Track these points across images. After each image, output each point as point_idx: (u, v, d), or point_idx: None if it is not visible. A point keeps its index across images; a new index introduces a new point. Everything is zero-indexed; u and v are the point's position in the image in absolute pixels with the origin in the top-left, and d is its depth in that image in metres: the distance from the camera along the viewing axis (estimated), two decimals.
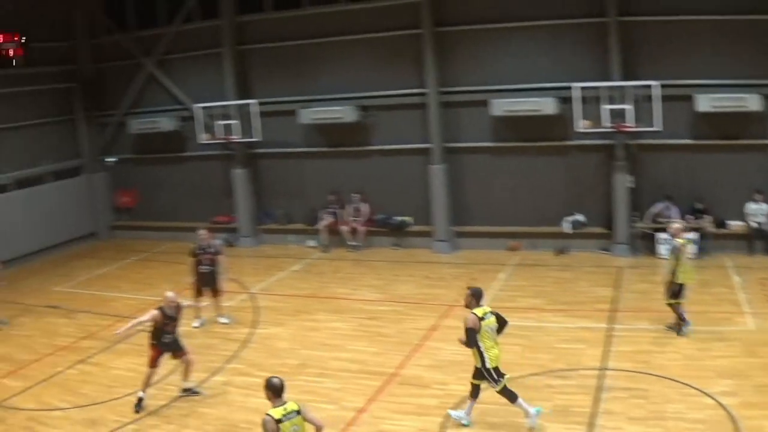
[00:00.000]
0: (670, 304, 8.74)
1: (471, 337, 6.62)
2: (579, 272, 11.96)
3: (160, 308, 8.06)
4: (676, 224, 9.30)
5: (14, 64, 14.77)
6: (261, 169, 15.69)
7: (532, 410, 6.67)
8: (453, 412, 7.06)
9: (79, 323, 11.14)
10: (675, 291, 8.65)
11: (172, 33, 15.69)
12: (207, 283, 10.47)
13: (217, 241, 11.30)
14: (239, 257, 14.42)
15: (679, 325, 8.66)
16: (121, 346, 9.82)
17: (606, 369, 7.97)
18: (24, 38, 14.77)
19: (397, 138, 13.89)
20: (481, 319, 6.63)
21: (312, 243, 14.70)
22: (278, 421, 5.00)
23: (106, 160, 17.43)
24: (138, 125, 16.21)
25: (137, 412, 7.72)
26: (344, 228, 14.17)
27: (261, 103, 14.37)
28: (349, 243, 14.11)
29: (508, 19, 12.60)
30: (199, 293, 10.47)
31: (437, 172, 13.29)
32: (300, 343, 9.64)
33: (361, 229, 14.06)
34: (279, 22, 14.61)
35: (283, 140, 14.94)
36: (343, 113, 13.73)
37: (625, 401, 7.14)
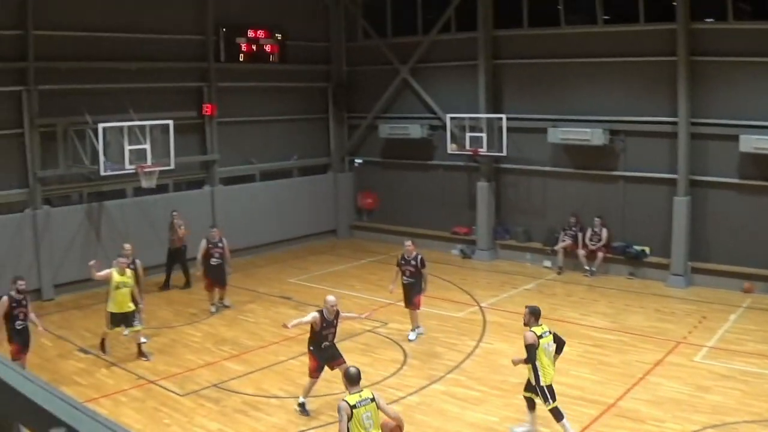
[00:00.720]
0: None
1: (531, 353, 10.58)
2: None
3: (321, 311, 12.03)
4: None
5: (272, 60, 24.33)
6: (504, 184, 23.58)
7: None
8: (517, 429, 11.29)
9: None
10: None
11: (427, 42, 24.27)
12: (406, 295, 15.86)
13: (419, 255, 15.97)
14: (474, 270, 22.54)
15: None
16: (346, 344, 14.51)
17: None
18: (280, 36, 24.11)
19: (642, 165, 20.53)
20: (540, 336, 10.68)
21: (547, 264, 22.09)
22: (353, 407, 8.57)
23: (355, 161, 27.44)
24: (388, 130, 25.07)
25: (304, 415, 12.05)
26: (582, 252, 21.17)
27: (509, 118, 22.00)
28: (585, 267, 21.14)
29: (765, 53, 18.41)
30: (405, 304, 16.04)
31: (681, 204, 19.57)
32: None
33: (599, 254, 21.00)
34: (534, 39, 22.15)
35: (529, 157, 22.57)
36: (592, 136, 20.55)
37: None
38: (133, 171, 18.85)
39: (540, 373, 10.83)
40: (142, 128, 18.97)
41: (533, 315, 11.18)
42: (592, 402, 12.41)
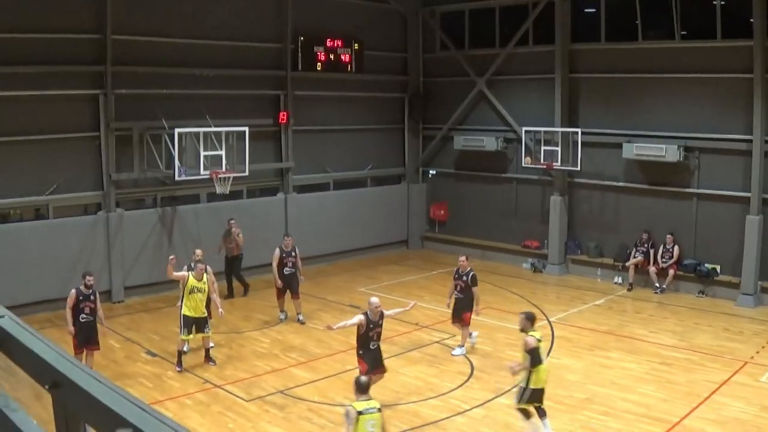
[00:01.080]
0: None
1: (536, 356, 11.44)
2: None
3: (365, 313, 12.69)
4: None
5: (349, 69, 24.88)
6: (577, 198, 23.71)
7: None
8: None
9: None
10: None
11: (504, 54, 24.54)
12: (455, 310, 16.11)
13: (471, 272, 16.20)
14: (545, 284, 22.77)
15: None
16: (413, 354, 15.65)
17: None
18: (357, 45, 24.70)
19: (715, 183, 20.49)
20: (538, 341, 11.66)
21: (618, 280, 22.17)
22: (359, 413, 9.05)
23: (429, 172, 27.78)
24: (463, 142, 25.43)
25: None
26: (653, 269, 21.15)
27: (584, 133, 22.14)
28: (655, 284, 21.09)
29: None
30: (452, 319, 16.30)
31: (753, 222, 19.47)
32: (590, 378, 14.36)
33: (670, 272, 20.94)
34: (611, 53, 22.27)
35: (602, 172, 22.71)
36: (666, 152, 20.59)
37: None
38: (208, 177, 19.51)
39: (532, 377, 11.60)
40: (217, 134, 19.64)
41: (529, 320, 12.12)
42: (657, 420, 12.57)
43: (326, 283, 22.48)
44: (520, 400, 11.85)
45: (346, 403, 12.67)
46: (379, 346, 13.12)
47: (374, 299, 13.10)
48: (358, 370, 12.76)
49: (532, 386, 11.67)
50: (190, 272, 15.35)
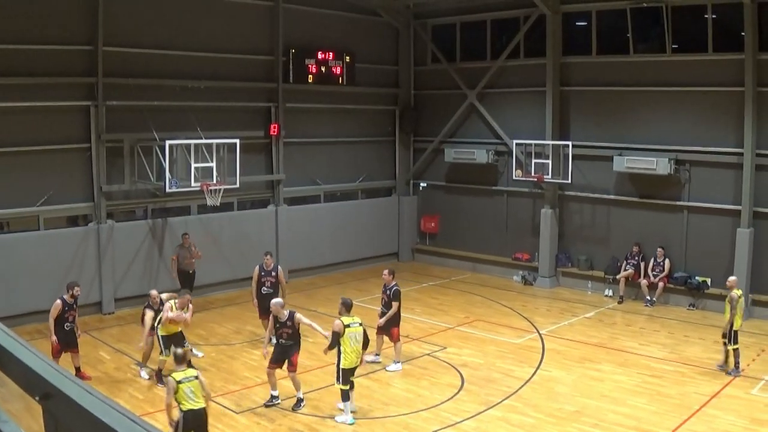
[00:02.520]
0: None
1: (334, 339, 12.75)
2: None
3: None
4: None
5: (340, 82, 24.86)
6: (568, 211, 23.76)
7: (350, 416, 12.72)
8: (338, 418, 12.88)
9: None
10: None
11: (496, 67, 24.57)
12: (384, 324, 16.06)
13: (395, 286, 16.10)
14: (535, 296, 22.71)
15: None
16: (404, 366, 15.77)
17: None
18: (349, 58, 24.76)
19: (706, 196, 20.56)
20: (347, 326, 12.75)
21: (608, 292, 22.23)
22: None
23: (420, 184, 27.67)
24: (454, 154, 25.45)
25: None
26: (644, 282, 21.15)
27: (575, 146, 22.20)
28: (646, 297, 21.15)
29: None
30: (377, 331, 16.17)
31: (744, 235, 19.54)
32: (580, 391, 14.43)
33: (660, 284, 20.99)
34: (602, 67, 22.37)
35: (593, 185, 22.76)
36: (657, 165, 20.65)
37: None
38: (199, 189, 19.47)
39: (341, 357, 12.79)
40: (208, 146, 19.61)
41: (344, 306, 13.39)
42: None
43: (316, 295, 22.43)
44: (338, 381, 12.97)
45: (336, 415, 13.27)
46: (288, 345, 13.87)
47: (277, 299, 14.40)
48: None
49: (342, 366, 12.82)
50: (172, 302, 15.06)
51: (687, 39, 21.20)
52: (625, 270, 22.00)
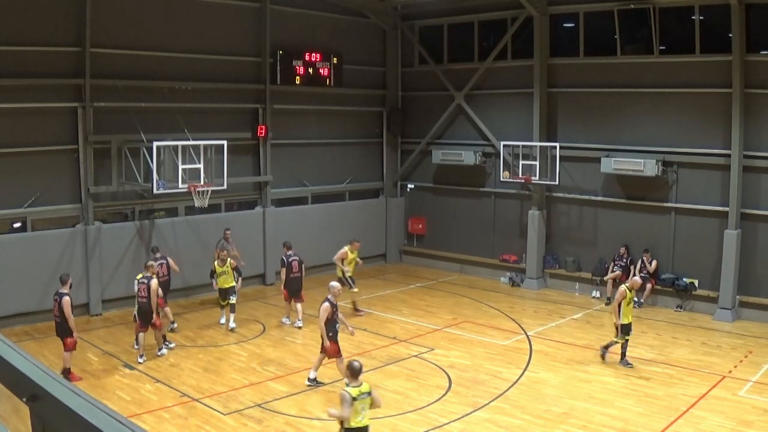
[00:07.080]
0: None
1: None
2: None
3: (328, 299, 14.40)
4: None
5: (327, 83, 24.92)
6: (555, 212, 23.81)
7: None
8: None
9: (354, 340, 16.34)
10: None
11: (483, 69, 24.63)
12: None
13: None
14: (522, 298, 22.76)
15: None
16: (391, 368, 15.78)
17: None
18: (336, 59, 24.86)
19: (693, 197, 20.65)
20: (354, 399, 10.05)
21: (596, 294, 22.29)
22: (354, 398, 9.83)
23: (407, 186, 27.73)
24: (441, 156, 25.48)
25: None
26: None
27: (563, 147, 22.25)
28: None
29: None
30: None
31: (731, 237, 19.62)
32: (568, 392, 14.45)
33: (648, 286, 21.01)
34: (590, 68, 22.46)
35: (581, 186, 22.82)
36: (645, 166, 20.73)
37: None
38: (186, 190, 19.42)
39: (346, 424, 10.41)
40: (196, 148, 19.55)
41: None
42: None
43: (304, 296, 22.25)
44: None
45: (324, 417, 12.94)
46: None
47: (334, 283, 15.02)
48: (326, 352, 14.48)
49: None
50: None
51: (674, 40, 21.31)
52: (613, 271, 22.05)
